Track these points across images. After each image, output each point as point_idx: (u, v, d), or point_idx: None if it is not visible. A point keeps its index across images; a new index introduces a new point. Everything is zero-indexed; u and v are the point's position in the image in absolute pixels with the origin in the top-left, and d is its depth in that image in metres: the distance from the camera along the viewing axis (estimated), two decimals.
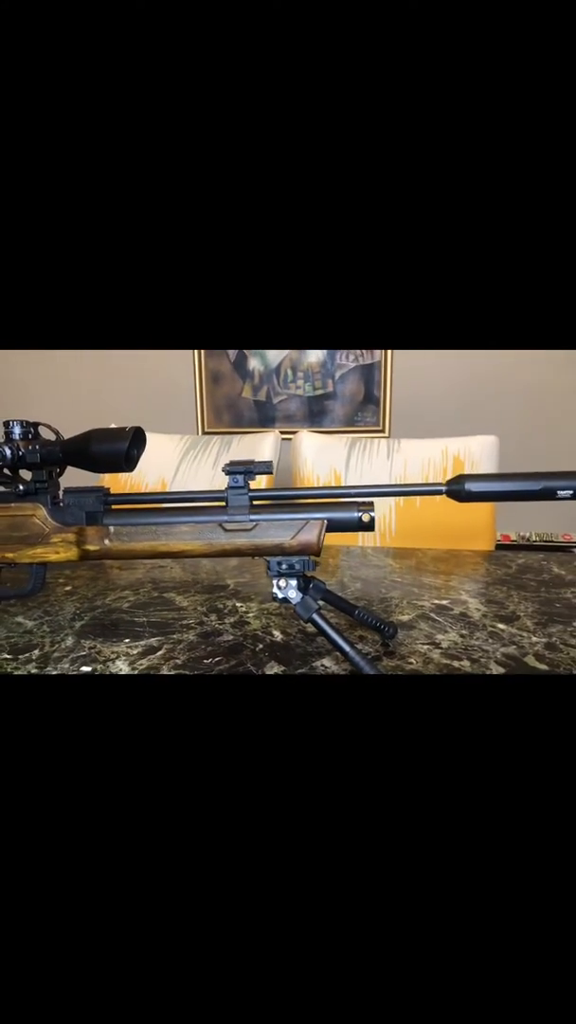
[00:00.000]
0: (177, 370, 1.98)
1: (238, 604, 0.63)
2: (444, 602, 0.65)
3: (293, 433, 1.16)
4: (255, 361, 1.91)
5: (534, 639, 0.53)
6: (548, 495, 0.43)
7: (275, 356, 1.90)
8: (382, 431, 1.90)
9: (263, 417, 1.94)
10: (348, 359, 1.87)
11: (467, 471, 1.05)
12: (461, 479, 0.44)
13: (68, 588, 0.70)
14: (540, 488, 0.43)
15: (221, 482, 1.12)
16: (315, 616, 0.45)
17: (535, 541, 1.83)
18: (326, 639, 0.44)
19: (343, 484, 1.05)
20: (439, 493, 0.45)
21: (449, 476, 1.04)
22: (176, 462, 1.15)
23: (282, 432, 1.23)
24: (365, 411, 1.89)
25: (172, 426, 1.99)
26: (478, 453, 1.04)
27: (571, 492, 0.42)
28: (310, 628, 0.56)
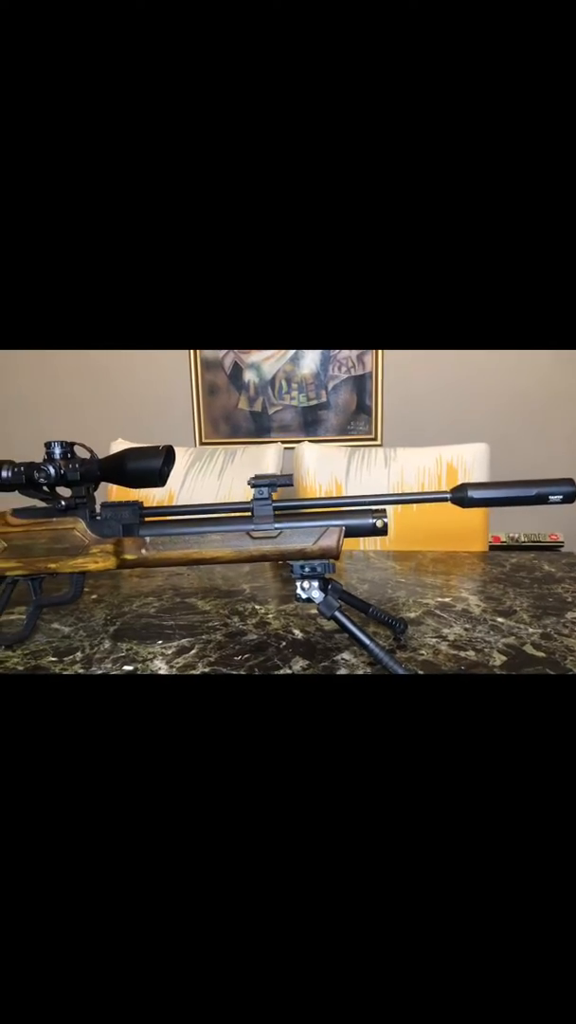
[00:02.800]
0: (174, 383, 2.03)
1: (256, 607, 0.68)
2: (446, 600, 0.70)
3: (295, 443, 1.21)
4: (250, 373, 1.97)
5: (531, 630, 0.59)
6: (541, 500, 0.48)
7: (270, 368, 1.95)
8: (374, 439, 1.96)
9: (259, 428, 1.99)
10: (340, 370, 1.93)
11: (460, 477, 1.10)
12: (464, 487, 0.49)
13: (94, 596, 0.74)
14: (534, 494, 0.48)
15: (227, 492, 1.16)
16: (337, 613, 0.50)
17: (524, 542, 1.90)
18: (347, 634, 0.49)
19: (344, 492, 1.11)
20: (444, 500, 0.50)
21: (444, 482, 1.10)
22: (183, 473, 1.19)
23: (284, 442, 1.29)
24: (358, 420, 1.95)
25: (170, 437, 2.03)
26: (470, 460, 1.10)
27: (561, 497, 0.48)
28: (327, 626, 0.61)
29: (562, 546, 1.91)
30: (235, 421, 2.01)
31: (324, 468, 1.13)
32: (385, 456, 1.13)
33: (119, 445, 1.24)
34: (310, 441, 1.18)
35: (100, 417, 2.10)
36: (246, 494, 1.15)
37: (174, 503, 1.16)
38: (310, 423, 1.97)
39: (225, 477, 1.17)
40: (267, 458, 1.15)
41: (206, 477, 1.18)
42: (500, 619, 0.62)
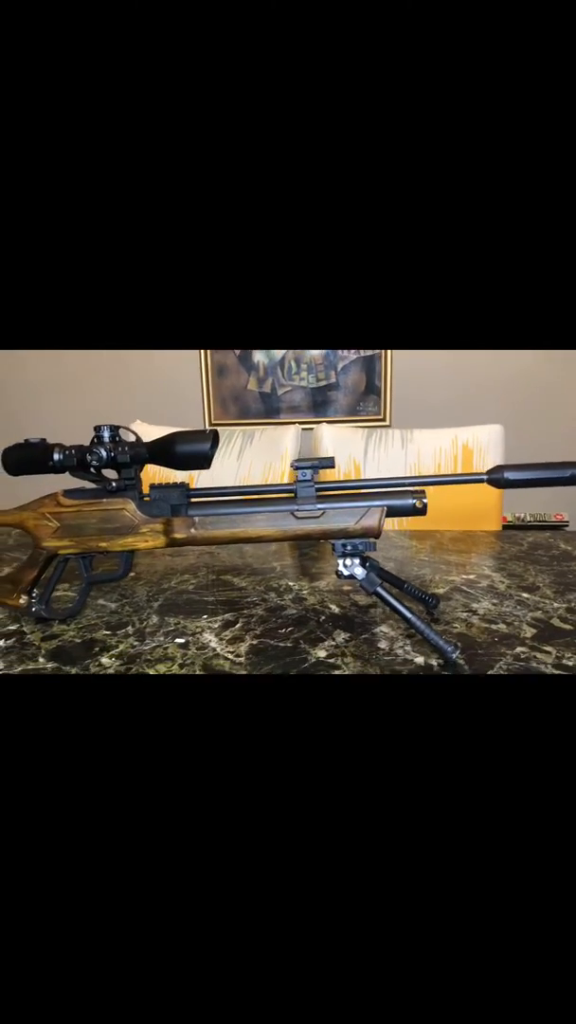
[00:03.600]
0: (183, 364, 2.03)
1: (290, 583, 0.71)
2: (471, 576, 0.73)
3: (312, 424, 1.23)
4: (260, 354, 1.97)
5: (556, 605, 0.62)
6: (572, 481, 0.51)
7: (279, 349, 1.95)
8: (383, 420, 1.98)
9: (268, 408, 2.00)
10: (350, 351, 1.93)
11: (475, 458, 1.13)
12: (500, 469, 0.52)
13: (133, 574, 0.76)
14: (569, 475, 0.51)
15: (247, 473, 1.18)
16: (379, 589, 0.52)
17: (530, 522, 1.93)
18: (388, 608, 0.52)
19: (362, 473, 1.13)
20: (481, 481, 0.53)
21: (459, 463, 1.13)
22: None
23: (301, 423, 1.30)
24: (367, 401, 1.96)
25: (179, 418, 2.04)
26: (485, 441, 1.12)
27: None
28: (361, 601, 0.64)
29: (567, 525, 1.94)
30: (244, 402, 2.02)
31: (342, 449, 1.15)
32: (402, 437, 1.15)
33: (138, 427, 1.25)
34: (327, 423, 1.20)
35: (108, 398, 2.10)
36: (264, 476, 1.17)
37: (194, 486, 1.18)
38: (319, 404, 1.98)
39: (244, 458, 1.19)
40: (285, 440, 1.17)
41: (225, 459, 1.20)
42: (525, 594, 0.65)
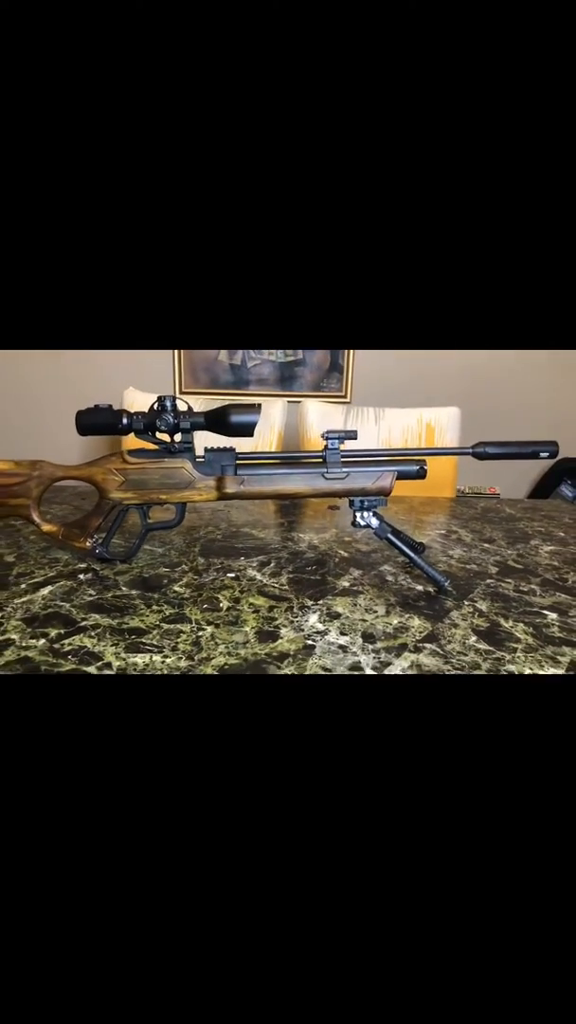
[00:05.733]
0: None
1: (300, 535, 0.85)
2: (442, 531, 0.90)
3: (280, 397, 1.35)
4: None
5: (509, 551, 0.81)
6: (534, 456, 0.68)
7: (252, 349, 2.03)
8: (344, 397, 2.13)
9: (237, 380, 2.09)
10: None
11: (437, 436, 1.31)
12: (483, 444, 0.68)
13: None
14: (530, 451, 0.68)
15: (237, 442, 1.29)
16: (389, 535, 0.68)
17: (469, 493, 2.19)
18: (395, 548, 0.68)
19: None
20: (468, 454, 0.69)
21: (423, 439, 1.30)
22: None
23: (269, 396, 1.42)
24: (330, 378, 2.10)
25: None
26: (445, 421, 1.31)
27: (548, 454, 0.68)
28: (363, 548, 0.80)
29: (498, 497, 2.21)
30: (214, 373, 2.09)
31: (325, 424, 1.29)
32: (375, 415, 1.31)
33: (131, 393, 1.32)
34: (305, 397, 1.33)
35: (79, 364, 2.09)
36: (255, 444, 1.29)
37: None
38: (286, 378, 2.09)
39: None
40: (274, 412, 1.29)
41: None
42: (486, 544, 0.84)
